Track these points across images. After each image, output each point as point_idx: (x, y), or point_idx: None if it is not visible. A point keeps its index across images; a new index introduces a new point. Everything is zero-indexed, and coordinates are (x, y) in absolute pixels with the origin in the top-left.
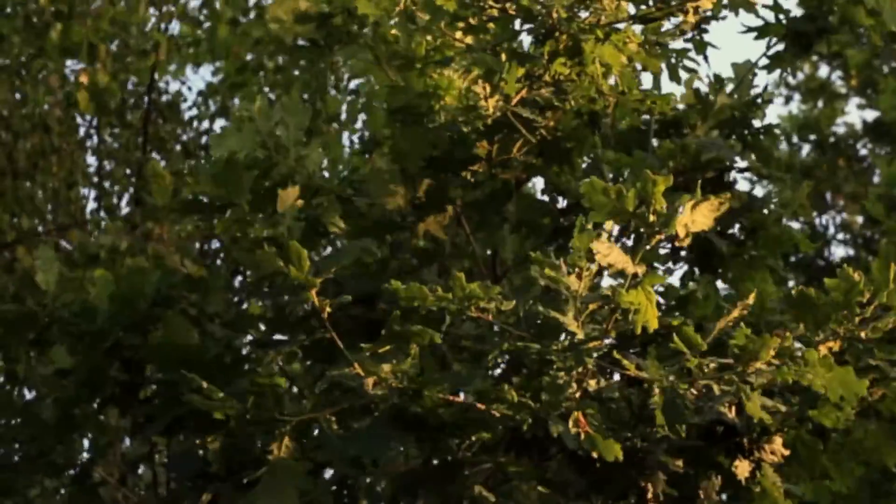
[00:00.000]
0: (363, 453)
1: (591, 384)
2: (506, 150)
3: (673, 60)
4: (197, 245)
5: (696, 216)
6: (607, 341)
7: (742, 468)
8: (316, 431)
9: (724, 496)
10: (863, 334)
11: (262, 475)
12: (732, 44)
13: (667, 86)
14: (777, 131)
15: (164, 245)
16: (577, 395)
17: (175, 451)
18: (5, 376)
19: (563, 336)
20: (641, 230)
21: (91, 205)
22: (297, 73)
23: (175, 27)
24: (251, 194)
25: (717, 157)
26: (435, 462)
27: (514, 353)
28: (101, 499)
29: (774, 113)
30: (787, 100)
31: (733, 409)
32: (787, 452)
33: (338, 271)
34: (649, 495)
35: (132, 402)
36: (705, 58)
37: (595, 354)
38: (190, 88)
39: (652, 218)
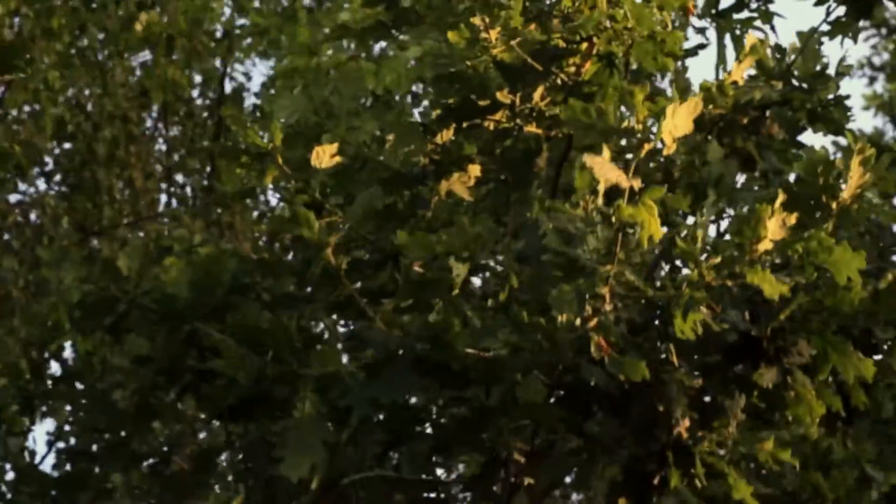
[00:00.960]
0: (382, 395)
1: (607, 307)
2: (528, 99)
3: (738, 31)
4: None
5: (678, 120)
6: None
7: (767, 376)
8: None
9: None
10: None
11: (288, 429)
12: (797, 15)
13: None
14: (848, 104)
15: (236, 233)
16: (594, 319)
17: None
18: (83, 364)
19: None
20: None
21: (163, 196)
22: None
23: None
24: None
25: (756, 98)
26: (466, 414)
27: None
28: (179, 488)
29: (859, 93)
30: (872, 80)
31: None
32: (813, 352)
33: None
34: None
35: (208, 390)
36: (772, 27)
37: (606, 277)
38: (250, 78)
39: (637, 127)
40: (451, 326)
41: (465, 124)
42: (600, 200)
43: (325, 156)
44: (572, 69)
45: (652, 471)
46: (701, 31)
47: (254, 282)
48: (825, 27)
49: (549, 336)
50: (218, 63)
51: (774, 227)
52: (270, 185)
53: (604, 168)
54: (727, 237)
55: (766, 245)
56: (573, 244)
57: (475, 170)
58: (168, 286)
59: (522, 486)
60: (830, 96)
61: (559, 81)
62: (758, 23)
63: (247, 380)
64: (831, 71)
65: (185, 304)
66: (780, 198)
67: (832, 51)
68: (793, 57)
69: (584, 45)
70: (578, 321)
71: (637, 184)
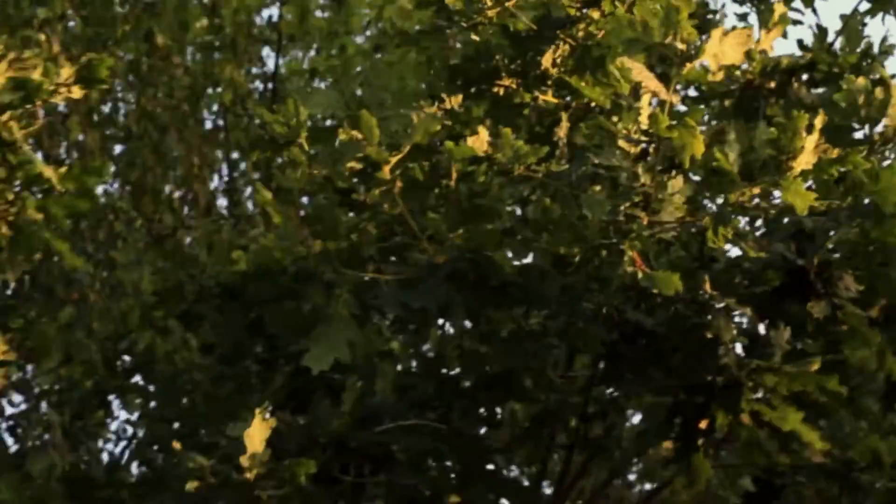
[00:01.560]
0: (416, 300)
1: (642, 215)
2: (536, 65)
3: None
4: None
5: (725, 47)
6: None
7: (817, 308)
8: None
9: (800, 346)
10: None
11: (319, 325)
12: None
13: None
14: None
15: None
16: (628, 227)
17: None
18: (155, 357)
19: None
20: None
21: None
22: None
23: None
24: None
25: (784, 64)
26: (501, 335)
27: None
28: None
29: None
30: None
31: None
32: (860, 287)
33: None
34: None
35: (273, 377)
36: (814, 10)
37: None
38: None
39: (680, 46)
40: (491, 240)
41: (472, 90)
42: (643, 121)
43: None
44: (581, 34)
45: (699, 409)
46: (742, 17)
47: (315, 271)
48: (866, 5)
49: (580, 237)
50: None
51: (811, 145)
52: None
53: (642, 74)
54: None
55: (802, 163)
56: (612, 162)
57: (484, 134)
58: (234, 274)
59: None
60: (876, 76)
61: (569, 47)
62: (799, 4)
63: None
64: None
65: (251, 291)
66: (820, 118)
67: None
68: (835, 37)
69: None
70: (612, 230)
71: (676, 99)
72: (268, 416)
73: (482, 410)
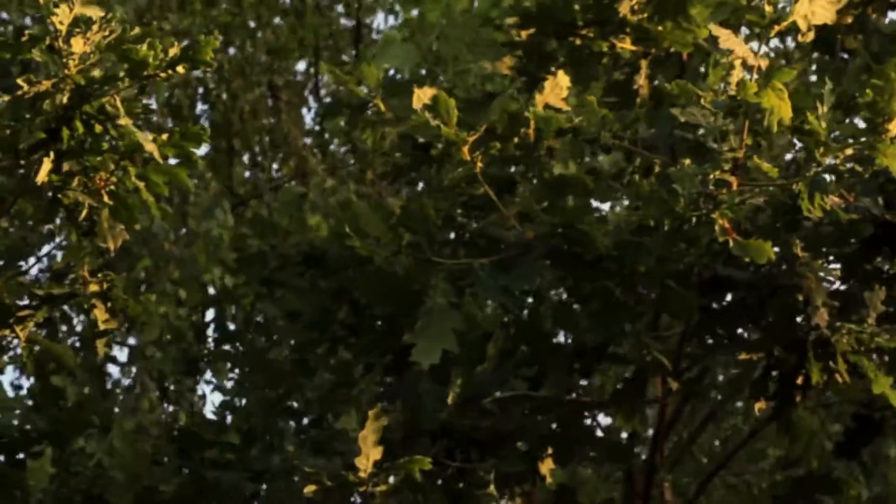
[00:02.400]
0: (514, 283)
1: (732, 180)
2: (614, 12)
3: None
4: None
5: (816, 7)
6: None
7: None
8: None
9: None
10: None
11: (421, 318)
12: None
13: None
14: None
15: (376, 188)
16: (719, 196)
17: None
18: (243, 323)
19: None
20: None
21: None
22: None
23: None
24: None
25: None
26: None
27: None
28: (339, 441)
29: None
30: None
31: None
32: None
33: None
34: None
35: (359, 343)
36: None
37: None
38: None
39: (768, 9)
40: (584, 214)
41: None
42: (732, 87)
43: (425, 99)
44: None
45: (792, 369)
46: None
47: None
48: None
49: (670, 209)
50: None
51: None
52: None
53: (730, 40)
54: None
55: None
56: (701, 129)
57: (565, 79)
58: (315, 240)
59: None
60: None
61: None
62: None
63: (380, 261)
64: None
65: (331, 257)
66: None
67: None
68: None
69: None
70: (702, 201)
71: (764, 63)
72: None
73: (577, 370)
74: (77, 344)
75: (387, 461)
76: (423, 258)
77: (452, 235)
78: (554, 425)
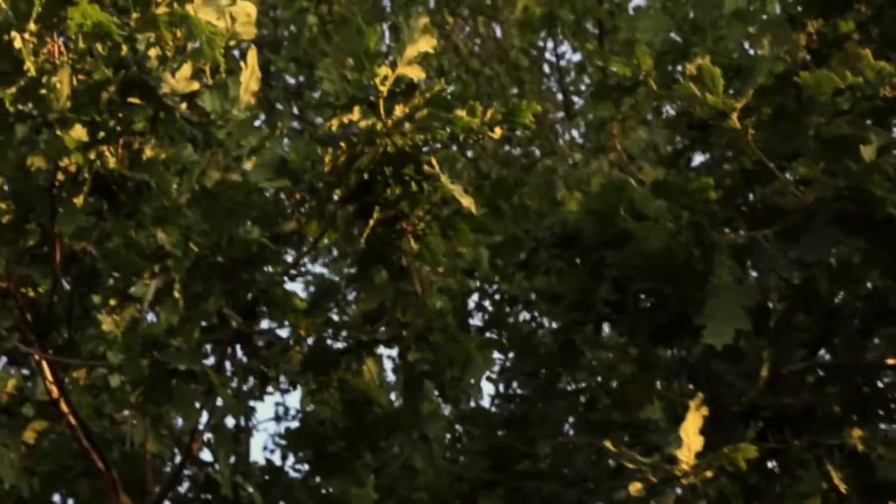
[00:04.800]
0: (807, 252)
1: None
2: None
3: None
4: None
5: None
6: None
7: None
8: None
9: None
10: None
11: (708, 298)
12: None
13: None
14: None
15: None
16: None
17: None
18: (508, 301)
19: None
20: None
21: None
22: None
23: None
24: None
25: None
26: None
27: None
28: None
29: None
30: None
31: None
32: None
33: None
34: None
35: (623, 319)
36: None
37: None
38: None
39: None
40: (872, 173)
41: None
42: None
43: (693, 71)
44: None
45: None
46: None
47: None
48: None
49: None
50: None
51: None
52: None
53: None
54: None
55: None
56: None
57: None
58: (568, 220)
59: None
60: None
61: None
62: None
63: (659, 244)
64: None
65: (587, 236)
66: None
67: None
68: None
69: None
70: None
71: None
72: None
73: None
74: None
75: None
76: (706, 237)
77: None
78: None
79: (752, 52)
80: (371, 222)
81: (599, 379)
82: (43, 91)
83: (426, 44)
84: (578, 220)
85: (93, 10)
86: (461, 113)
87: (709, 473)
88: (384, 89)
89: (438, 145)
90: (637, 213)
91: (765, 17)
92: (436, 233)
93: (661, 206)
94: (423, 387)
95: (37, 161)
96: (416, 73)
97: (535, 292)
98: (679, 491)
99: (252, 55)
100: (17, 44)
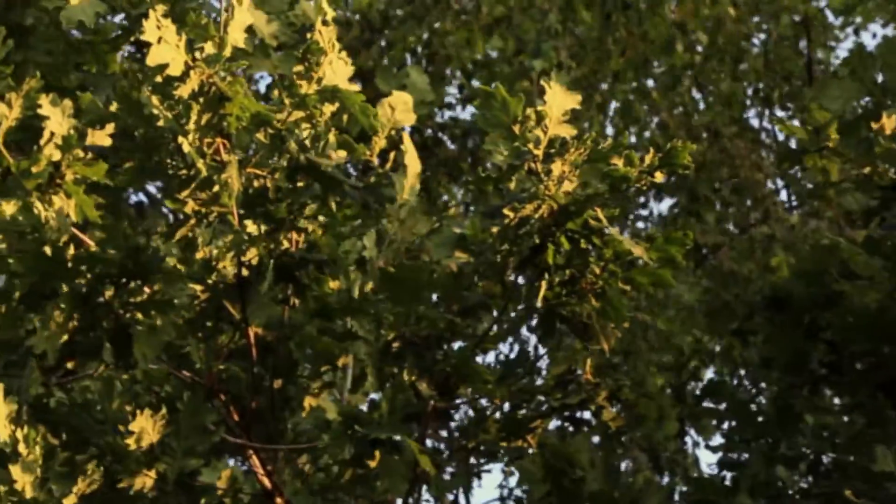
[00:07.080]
0: None
1: None
2: None
3: None
4: None
5: None
6: None
7: None
8: None
9: None
10: None
11: None
12: None
13: None
14: None
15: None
16: None
17: None
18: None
19: None
20: None
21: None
22: None
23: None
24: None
25: None
26: None
27: None
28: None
29: None
30: None
31: None
32: None
33: None
34: None
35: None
36: None
37: None
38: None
39: None
40: None
41: None
42: None
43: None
44: None
45: None
46: None
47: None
48: None
49: None
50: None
51: None
52: None
53: None
54: None
55: None
56: None
57: None
58: (778, 282)
59: None
60: None
61: None
62: None
63: (875, 302)
64: None
65: (798, 297)
66: None
67: None
68: None
69: None
70: None
71: None
72: None
73: None
74: None
75: None
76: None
77: None
78: None
79: None
80: (543, 283)
81: (825, 434)
82: (216, 188)
83: (572, 101)
84: (788, 283)
85: (249, 102)
86: (618, 161)
87: None
88: (539, 153)
89: (602, 199)
90: (848, 272)
91: None
92: (615, 288)
93: (874, 264)
94: (621, 445)
95: (224, 262)
96: (567, 132)
97: (750, 358)
98: None
99: (407, 139)
100: (186, 147)
